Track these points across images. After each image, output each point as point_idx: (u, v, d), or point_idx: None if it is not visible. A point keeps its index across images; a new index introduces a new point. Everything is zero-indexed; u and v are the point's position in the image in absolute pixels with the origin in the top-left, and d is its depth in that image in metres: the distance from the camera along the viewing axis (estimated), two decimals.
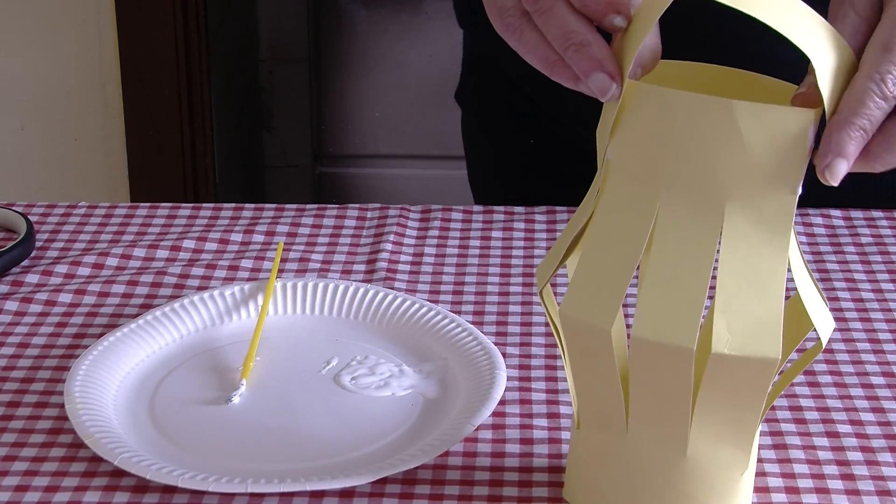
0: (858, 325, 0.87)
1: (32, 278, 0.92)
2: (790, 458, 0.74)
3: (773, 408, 0.78)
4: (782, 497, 0.71)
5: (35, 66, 2.11)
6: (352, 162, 2.64)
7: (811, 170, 0.61)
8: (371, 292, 0.87)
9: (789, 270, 0.63)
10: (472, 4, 1.04)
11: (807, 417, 0.78)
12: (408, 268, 0.94)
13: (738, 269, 0.61)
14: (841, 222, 1.00)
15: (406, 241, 0.97)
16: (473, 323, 0.87)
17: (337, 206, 1.02)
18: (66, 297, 0.89)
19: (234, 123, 2.41)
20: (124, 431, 0.75)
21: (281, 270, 0.93)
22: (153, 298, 0.90)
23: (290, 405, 0.78)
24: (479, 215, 1.01)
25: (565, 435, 0.76)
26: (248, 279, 0.92)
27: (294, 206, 1.02)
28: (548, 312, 0.68)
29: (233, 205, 1.02)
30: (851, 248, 0.96)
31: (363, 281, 0.92)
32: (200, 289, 0.91)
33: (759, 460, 0.74)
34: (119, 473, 0.72)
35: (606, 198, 0.64)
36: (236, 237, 0.97)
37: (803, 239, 0.97)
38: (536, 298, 0.90)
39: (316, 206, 1.02)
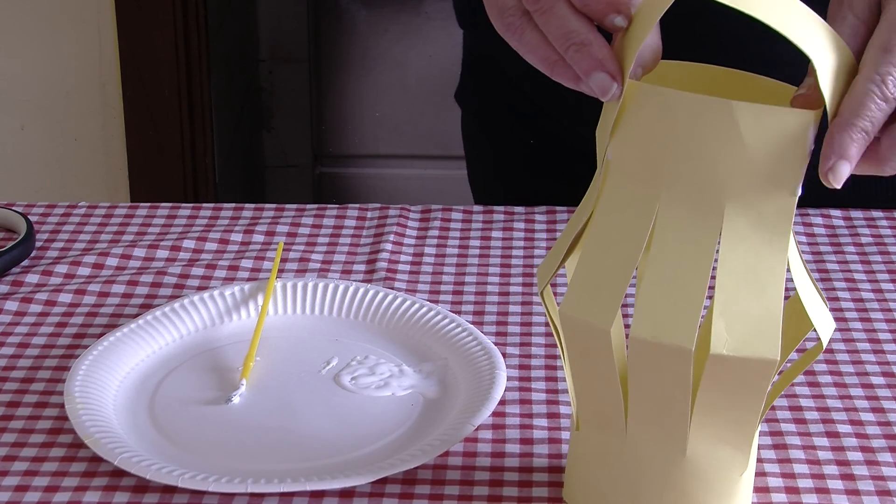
0: (858, 325, 0.87)
1: (32, 278, 0.92)
2: (790, 458, 0.74)
3: (773, 408, 0.78)
4: (782, 497, 0.71)
5: (35, 66, 2.11)
6: (352, 162, 2.64)
7: (811, 170, 0.61)
8: (371, 292, 0.87)
9: (788, 271, 0.63)
10: (472, 4, 1.04)
11: (807, 417, 0.78)
12: (408, 268, 0.94)
13: (737, 269, 0.61)
14: (841, 222, 1.00)
15: (406, 241, 0.97)
16: (473, 323, 0.87)
17: (337, 206, 1.02)
18: (66, 297, 0.89)
19: (234, 123, 2.41)
20: (124, 431, 0.75)
21: (281, 270, 0.93)
22: (153, 298, 0.90)
23: (290, 405, 0.78)
24: (479, 215, 1.01)
25: (565, 435, 0.76)
26: (248, 279, 0.92)
27: (294, 206, 1.02)
28: (548, 312, 0.68)
29: (233, 205, 1.02)
30: (851, 248, 0.96)
31: (363, 281, 0.92)
32: (200, 289, 0.91)
33: (759, 460, 0.74)
34: (119, 473, 0.72)
35: (606, 198, 0.64)
36: (236, 237, 0.97)
37: (803, 239, 0.97)
38: (536, 298, 0.90)
39: (316, 206, 1.02)
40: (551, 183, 1.09)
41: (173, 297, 0.90)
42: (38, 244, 0.97)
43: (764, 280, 0.61)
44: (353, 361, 0.82)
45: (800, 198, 0.61)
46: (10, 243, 0.94)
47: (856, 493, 0.71)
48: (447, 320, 0.84)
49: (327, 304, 0.87)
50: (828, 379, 0.82)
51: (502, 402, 0.78)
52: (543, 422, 0.77)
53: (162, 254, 0.95)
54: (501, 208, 1.02)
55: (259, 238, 0.98)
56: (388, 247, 0.96)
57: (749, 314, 0.61)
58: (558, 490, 0.72)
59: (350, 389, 0.79)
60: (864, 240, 0.97)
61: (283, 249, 0.96)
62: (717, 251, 0.62)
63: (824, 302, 0.66)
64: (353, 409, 0.78)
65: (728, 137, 0.60)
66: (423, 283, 0.92)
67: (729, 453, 0.66)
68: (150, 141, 2.12)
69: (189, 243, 0.96)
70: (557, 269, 0.66)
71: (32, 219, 0.99)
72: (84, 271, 0.93)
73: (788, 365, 0.68)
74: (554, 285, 0.89)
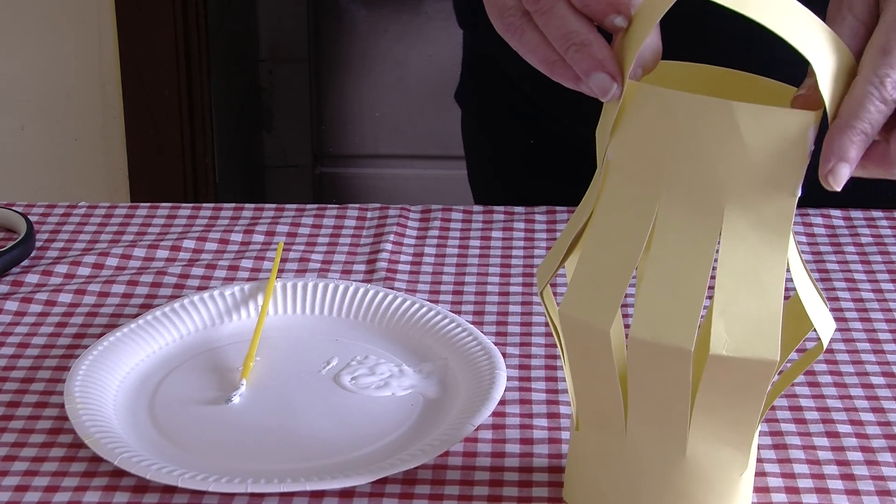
0: (858, 325, 0.87)
1: (32, 278, 0.92)
2: (790, 458, 0.74)
3: (773, 408, 0.78)
4: (782, 497, 0.71)
5: (35, 66, 2.11)
6: (352, 162, 2.64)
7: (811, 171, 0.61)
8: (371, 292, 0.87)
9: (788, 272, 0.63)
10: (472, 4, 1.04)
11: (807, 417, 0.78)
12: (408, 268, 0.94)
13: (737, 270, 0.61)
14: (841, 222, 1.00)
15: (406, 241, 0.97)
16: (473, 323, 0.87)
17: (337, 206, 1.02)
18: (66, 297, 0.89)
19: (234, 123, 2.41)
20: (124, 431, 0.75)
21: (281, 270, 0.93)
22: (153, 298, 0.90)
23: (290, 405, 0.78)
24: (479, 215, 1.01)
25: (565, 435, 0.76)
26: (248, 279, 0.92)
27: (294, 206, 1.02)
28: (548, 313, 0.68)
29: (233, 205, 1.02)
30: (851, 248, 0.96)
31: (363, 281, 0.92)
32: (200, 289, 0.91)
33: (759, 460, 0.74)
34: (119, 473, 0.72)
35: (606, 198, 0.64)
36: (236, 237, 0.97)
37: (803, 239, 0.97)
38: (536, 298, 0.90)
39: (316, 206, 1.02)
40: (551, 183, 1.09)
41: (173, 297, 0.90)
42: (38, 244, 0.97)
43: (764, 280, 0.61)
44: (353, 361, 0.82)
45: (800, 198, 0.61)
46: (10, 243, 0.94)
47: (856, 493, 0.71)
48: (447, 320, 0.84)
49: (327, 304, 0.87)
50: (828, 379, 0.82)
51: (502, 402, 0.78)
52: (543, 422, 0.77)
53: (162, 254, 0.95)
54: (501, 208, 1.02)
55: (259, 238, 0.98)
56: (388, 247, 0.96)
57: (749, 315, 0.61)
58: (558, 490, 0.72)
59: (350, 389, 0.79)
60: (864, 240, 0.97)
61: (283, 249, 0.96)
62: (717, 252, 0.62)
63: (824, 302, 0.66)
64: (353, 409, 0.78)
65: (728, 138, 0.60)
66: (423, 283, 0.92)
67: (729, 453, 0.66)
68: (150, 141, 2.12)
69: (189, 243, 0.96)
70: (557, 269, 0.66)
71: (32, 219, 0.99)
72: (84, 271, 0.93)
73: (788, 365, 0.68)
74: (554, 285, 0.89)
